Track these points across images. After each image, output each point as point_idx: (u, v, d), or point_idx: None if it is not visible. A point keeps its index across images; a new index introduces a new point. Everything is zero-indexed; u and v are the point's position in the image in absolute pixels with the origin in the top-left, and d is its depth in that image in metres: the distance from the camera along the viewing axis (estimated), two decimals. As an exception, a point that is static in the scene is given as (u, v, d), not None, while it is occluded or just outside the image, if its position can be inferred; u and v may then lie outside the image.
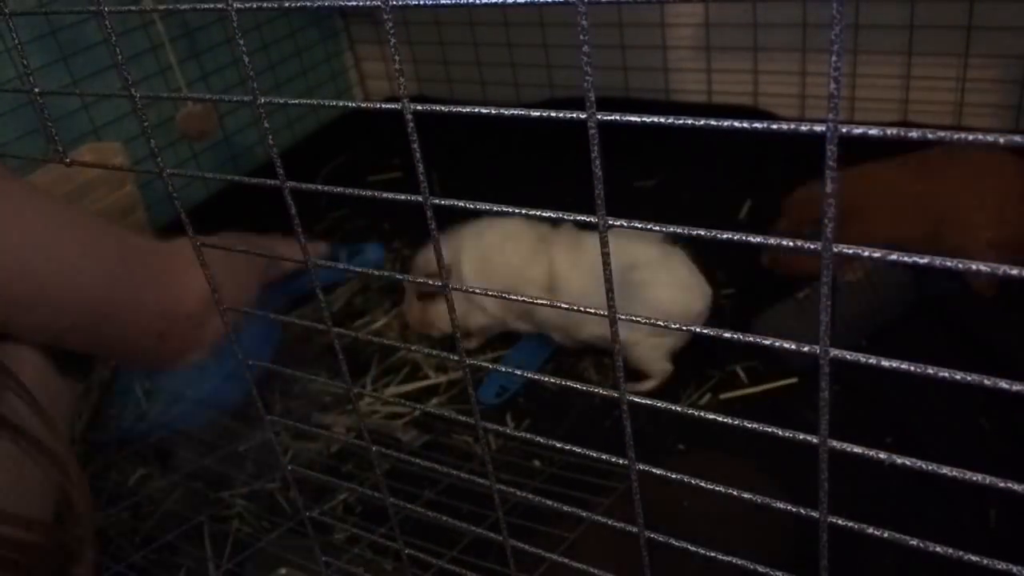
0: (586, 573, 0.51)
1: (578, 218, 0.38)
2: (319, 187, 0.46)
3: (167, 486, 1.23)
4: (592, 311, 0.40)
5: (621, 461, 0.45)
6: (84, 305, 0.78)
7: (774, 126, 0.31)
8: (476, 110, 0.39)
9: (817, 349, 0.35)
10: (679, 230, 0.35)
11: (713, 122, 0.33)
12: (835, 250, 0.31)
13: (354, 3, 0.39)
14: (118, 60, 0.48)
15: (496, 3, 0.36)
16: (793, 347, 0.36)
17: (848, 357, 0.35)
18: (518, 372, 0.46)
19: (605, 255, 0.38)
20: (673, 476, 0.45)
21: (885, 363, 0.33)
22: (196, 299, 0.86)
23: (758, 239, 0.33)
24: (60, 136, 0.57)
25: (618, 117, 0.34)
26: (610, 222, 0.37)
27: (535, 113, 0.36)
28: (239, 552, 1.11)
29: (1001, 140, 0.27)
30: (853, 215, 1.32)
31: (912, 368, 0.32)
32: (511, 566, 0.57)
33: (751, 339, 0.36)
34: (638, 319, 0.39)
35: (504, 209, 0.39)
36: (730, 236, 0.34)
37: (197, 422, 1.22)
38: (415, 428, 1.28)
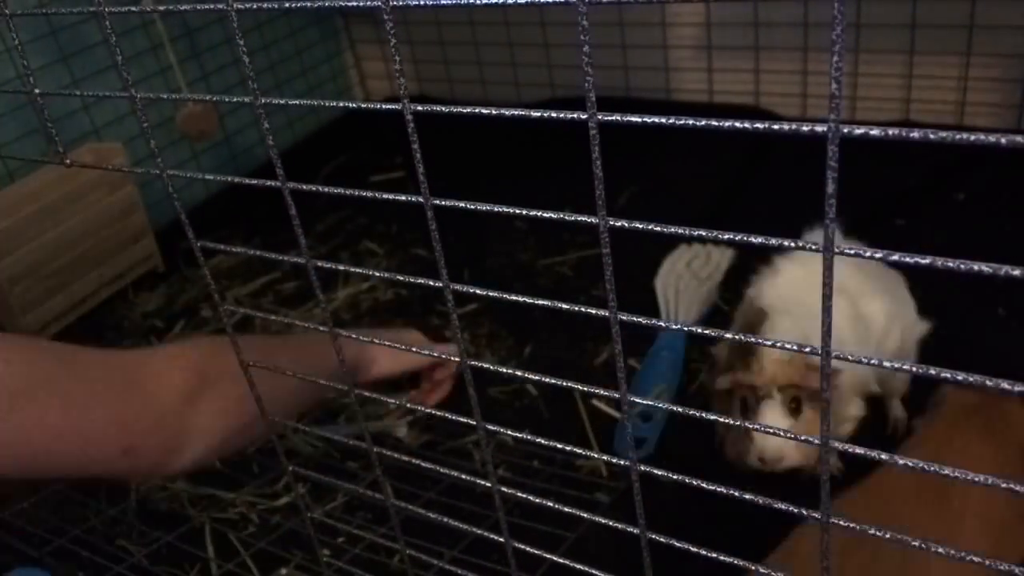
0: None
1: (579, 218, 0.38)
2: (319, 188, 0.46)
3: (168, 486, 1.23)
4: (593, 311, 0.40)
5: (623, 462, 0.45)
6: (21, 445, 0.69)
7: (775, 126, 0.31)
8: (477, 110, 0.39)
9: (818, 349, 0.35)
10: (680, 230, 0.35)
11: (714, 122, 0.33)
12: (836, 251, 0.31)
13: (354, 3, 0.39)
14: (118, 60, 0.47)
15: (497, 3, 0.36)
16: (794, 347, 0.36)
17: (849, 358, 0.35)
18: (515, 372, 0.46)
19: (606, 255, 0.38)
20: (675, 476, 0.45)
21: (887, 363, 0.33)
22: (164, 404, 0.74)
23: (759, 239, 0.33)
24: (60, 136, 0.57)
25: (619, 117, 0.34)
26: (611, 222, 0.37)
27: (535, 113, 0.36)
28: (240, 552, 1.11)
29: (1003, 140, 0.27)
30: None
31: (914, 368, 0.32)
32: (512, 566, 0.57)
33: (752, 340, 0.36)
34: (639, 319, 0.39)
35: (504, 210, 0.39)
36: (731, 236, 0.34)
37: None
38: (416, 429, 1.28)
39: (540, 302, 0.41)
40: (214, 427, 0.77)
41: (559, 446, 0.48)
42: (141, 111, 0.49)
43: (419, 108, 0.39)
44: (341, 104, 0.42)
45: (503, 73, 2.16)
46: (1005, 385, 0.32)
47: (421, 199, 0.42)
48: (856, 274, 1.08)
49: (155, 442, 0.74)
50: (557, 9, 1.96)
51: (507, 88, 2.17)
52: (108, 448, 0.71)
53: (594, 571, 0.51)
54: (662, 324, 0.38)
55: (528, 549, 0.55)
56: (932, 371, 0.33)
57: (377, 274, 0.47)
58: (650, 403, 0.42)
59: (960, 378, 0.32)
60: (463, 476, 0.57)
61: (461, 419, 0.50)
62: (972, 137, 0.29)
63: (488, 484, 0.53)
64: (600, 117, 0.35)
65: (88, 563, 1.09)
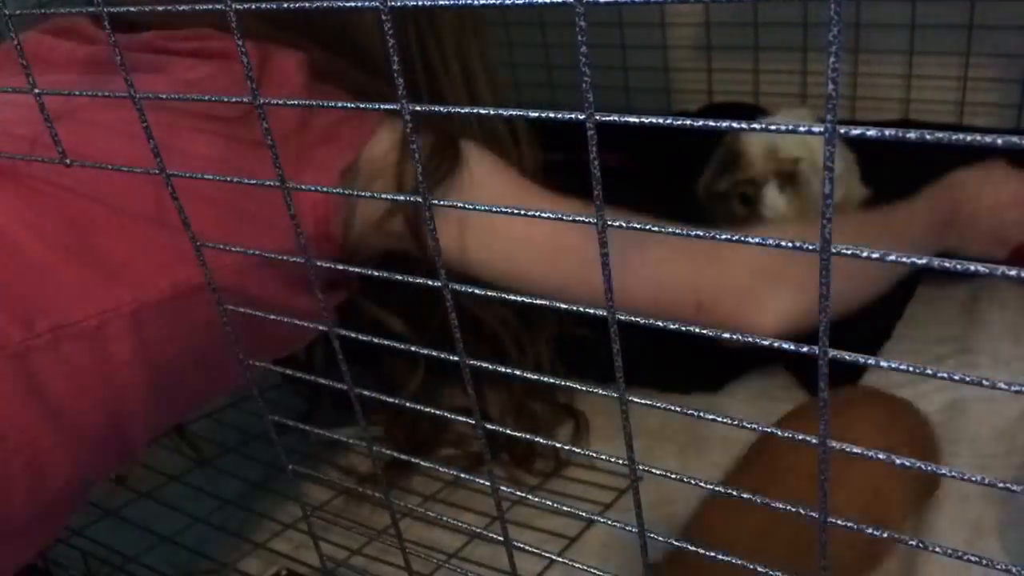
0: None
1: (576, 219, 0.38)
2: (318, 188, 0.46)
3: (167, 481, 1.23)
4: (592, 311, 0.40)
5: (621, 461, 0.45)
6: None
7: (772, 127, 0.31)
8: (474, 110, 0.39)
9: (816, 349, 0.35)
10: (677, 231, 0.35)
11: (711, 123, 0.33)
12: (833, 251, 0.31)
13: (353, 4, 0.39)
14: (117, 61, 0.48)
15: (495, 3, 0.36)
16: (791, 347, 0.36)
17: (847, 358, 0.35)
18: (513, 372, 0.46)
19: (604, 255, 0.38)
20: (673, 476, 0.45)
21: (883, 363, 0.33)
22: (737, 278, 0.82)
23: (755, 239, 0.33)
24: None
25: (616, 118, 0.34)
26: (609, 222, 0.37)
27: (533, 114, 0.36)
28: (241, 549, 1.11)
29: (999, 141, 0.27)
30: None
31: (910, 369, 0.32)
32: (512, 567, 0.58)
33: (749, 339, 0.36)
34: (636, 319, 0.39)
35: (502, 210, 0.39)
36: (728, 236, 0.34)
37: None
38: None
39: (539, 302, 0.41)
40: (792, 302, 0.84)
41: (558, 445, 0.48)
42: (141, 111, 0.49)
43: (417, 108, 0.39)
44: (340, 105, 0.42)
45: (502, 73, 2.16)
46: (1002, 385, 0.32)
47: (420, 199, 0.42)
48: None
49: (727, 306, 0.83)
50: (556, 9, 1.96)
51: (506, 88, 2.18)
52: (680, 302, 0.83)
53: (594, 570, 0.51)
54: (658, 324, 0.38)
55: (528, 548, 0.55)
56: (928, 371, 0.33)
57: (376, 273, 0.47)
58: (648, 403, 0.42)
59: (956, 378, 0.32)
60: (463, 475, 0.57)
61: (460, 418, 0.50)
62: (969, 138, 0.29)
63: (487, 483, 0.53)
64: (598, 117, 0.35)
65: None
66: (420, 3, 0.38)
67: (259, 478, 1.24)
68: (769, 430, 0.39)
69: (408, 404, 0.56)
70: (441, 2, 0.37)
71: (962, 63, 1.64)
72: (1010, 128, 1.66)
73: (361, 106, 0.40)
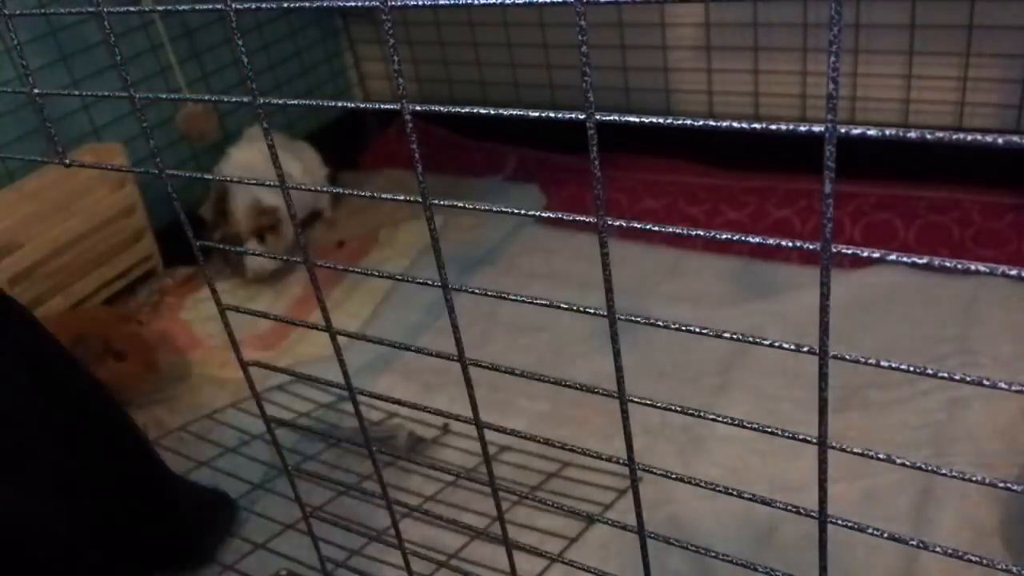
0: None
1: (577, 218, 0.38)
2: (317, 188, 0.46)
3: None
4: (592, 311, 0.40)
5: (621, 461, 0.45)
6: None
7: (773, 127, 0.31)
8: (475, 110, 0.39)
9: (815, 349, 0.35)
10: (678, 230, 0.35)
11: (712, 123, 0.33)
12: (834, 250, 0.31)
13: (353, 3, 0.39)
14: (117, 61, 0.48)
15: (495, 3, 0.36)
16: (792, 347, 0.36)
17: (847, 357, 0.35)
18: (513, 371, 0.46)
19: (604, 255, 0.38)
20: (672, 476, 0.45)
21: (884, 363, 0.33)
22: None
23: (756, 239, 0.33)
24: (60, 136, 0.57)
25: (617, 117, 0.34)
26: (609, 222, 0.37)
27: (534, 113, 0.36)
28: (241, 550, 1.11)
29: (1000, 141, 0.27)
30: None
31: (910, 369, 0.32)
32: (512, 568, 0.58)
33: (750, 340, 0.36)
34: (637, 318, 0.39)
35: (502, 210, 0.39)
36: (728, 236, 0.34)
37: None
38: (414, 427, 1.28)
39: (539, 302, 0.41)
40: None
41: (558, 444, 0.48)
42: (140, 111, 0.49)
43: (417, 108, 0.39)
44: (340, 104, 0.42)
45: (502, 73, 2.16)
46: (1002, 385, 0.32)
47: (419, 199, 0.42)
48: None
49: None
50: (556, 9, 1.96)
51: (507, 89, 2.18)
52: None
53: (592, 569, 0.51)
54: (659, 324, 0.38)
55: (529, 548, 0.55)
56: (929, 370, 0.33)
57: (376, 274, 0.47)
58: (648, 402, 0.42)
59: (957, 378, 0.32)
60: (461, 477, 0.57)
61: (460, 419, 0.50)
62: (970, 138, 0.29)
63: (486, 484, 0.53)
64: (598, 117, 0.35)
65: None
66: (419, 3, 0.38)
67: (259, 478, 1.24)
68: (769, 430, 0.39)
69: (407, 403, 0.56)
70: (441, 2, 0.37)
71: (962, 63, 1.64)
72: (1010, 128, 1.66)
73: (361, 106, 0.40)
